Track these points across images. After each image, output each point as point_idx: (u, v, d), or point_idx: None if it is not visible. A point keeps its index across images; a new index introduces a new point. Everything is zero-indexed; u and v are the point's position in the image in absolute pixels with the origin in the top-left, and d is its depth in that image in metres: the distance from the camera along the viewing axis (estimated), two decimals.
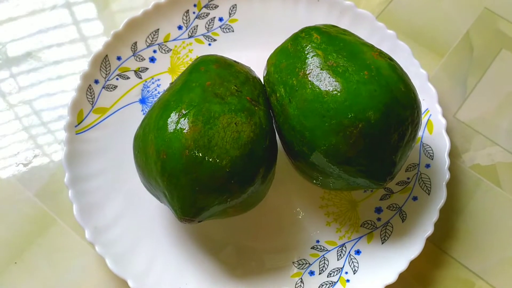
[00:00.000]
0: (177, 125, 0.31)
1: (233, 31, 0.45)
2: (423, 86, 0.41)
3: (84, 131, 0.40)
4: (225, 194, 0.31)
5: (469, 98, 0.45)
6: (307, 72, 0.33)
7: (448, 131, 0.42)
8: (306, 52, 0.34)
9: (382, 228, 0.38)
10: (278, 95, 0.35)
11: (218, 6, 0.45)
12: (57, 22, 0.47)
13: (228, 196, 0.31)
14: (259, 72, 0.39)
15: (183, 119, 0.31)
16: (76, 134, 0.39)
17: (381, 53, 0.34)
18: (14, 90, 0.44)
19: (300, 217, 0.39)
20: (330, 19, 0.45)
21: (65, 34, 0.47)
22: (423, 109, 0.41)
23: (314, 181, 0.36)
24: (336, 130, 0.31)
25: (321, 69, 0.33)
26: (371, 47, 0.35)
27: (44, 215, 0.39)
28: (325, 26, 0.37)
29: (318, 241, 0.38)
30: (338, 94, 0.32)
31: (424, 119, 0.41)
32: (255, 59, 0.41)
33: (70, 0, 0.48)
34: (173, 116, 0.32)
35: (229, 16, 0.46)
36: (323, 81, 0.32)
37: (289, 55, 0.35)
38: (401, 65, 0.42)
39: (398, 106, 0.32)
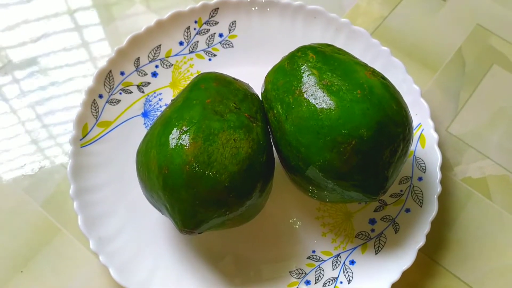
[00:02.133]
0: (179, 141, 0.33)
1: (232, 46, 0.47)
2: (416, 101, 0.43)
3: (89, 144, 0.41)
4: (223, 208, 0.33)
5: (461, 113, 0.47)
6: (303, 91, 0.35)
7: (441, 144, 0.43)
8: (302, 71, 0.36)
9: (376, 239, 0.40)
10: (275, 111, 0.36)
11: (218, 22, 0.47)
12: (60, 29, 0.49)
13: (227, 210, 0.33)
14: (257, 85, 0.40)
15: (184, 135, 0.33)
16: (81, 147, 0.41)
17: (374, 72, 0.36)
18: (19, 101, 0.46)
19: (297, 227, 0.41)
20: (326, 35, 0.46)
21: (69, 41, 0.49)
22: (416, 123, 0.43)
23: (310, 194, 0.37)
24: (330, 146, 0.33)
25: (316, 88, 0.34)
26: (365, 66, 0.36)
27: (50, 225, 0.41)
28: (320, 45, 0.38)
29: (314, 251, 0.40)
30: (332, 112, 0.33)
31: (416, 134, 0.43)
32: (254, 74, 0.42)
33: (73, 7, 0.50)
34: (175, 133, 0.33)
35: (229, 32, 0.47)
36: (318, 99, 0.34)
37: (285, 73, 0.37)
38: (395, 81, 0.44)
39: (390, 124, 0.33)
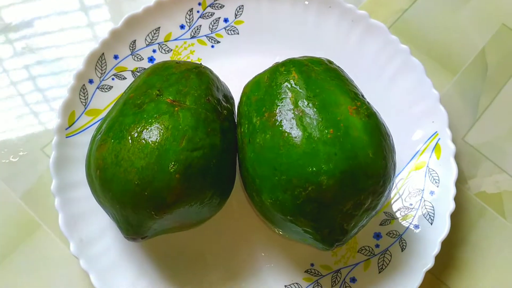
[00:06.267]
0: (93, 145, 0.31)
1: (238, 33, 0.43)
2: (433, 107, 0.40)
3: (75, 134, 0.38)
4: (147, 209, 0.29)
5: (480, 121, 0.43)
6: (272, 115, 0.31)
7: (456, 155, 0.40)
8: (278, 92, 0.31)
9: (380, 256, 0.37)
10: (242, 129, 0.33)
11: (224, 6, 0.43)
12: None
13: (152, 210, 0.29)
14: None
15: (97, 138, 0.31)
16: (67, 137, 0.37)
17: (360, 108, 0.31)
18: (2, 78, 0.42)
19: None
20: (341, 27, 0.43)
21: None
22: (432, 131, 0.39)
23: (266, 223, 0.34)
24: (285, 187, 0.29)
25: (287, 116, 0.30)
26: (353, 98, 0.31)
27: (29, 220, 0.38)
28: (311, 61, 0.33)
29: (312, 265, 0.37)
30: (294, 150, 0.29)
31: (432, 143, 0.39)
32: (259, 65, 0.38)
33: None
34: (94, 137, 0.32)
35: (235, 18, 0.43)
36: (284, 131, 0.30)
37: (262, 89, 0.33)
38: (411, 83, 0.41)
39: (360, 174, 0.29)
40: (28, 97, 0.42)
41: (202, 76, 0.34)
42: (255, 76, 0.34)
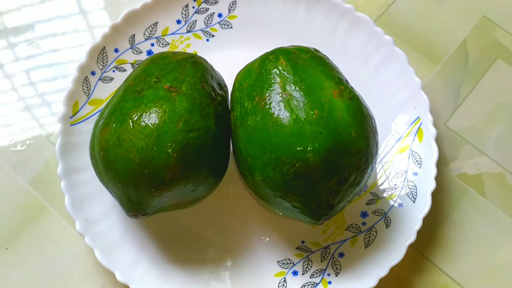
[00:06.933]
0: (96, 129, 0.34)
1: (231, 27, 0.46)
2: (416, 94, 0.42)
3: (79, 122, 0.40)
4: (147, 186, 0.32)
5: (461, 107, 0.46)
6: (262, 100, 0.33)
7: (438, 139, 0.42)
8: (267, 78, 0.34)
9: (366, 233, 0.39)
10: (234, 114, 0.35)
11: (217, 1, 0.46)
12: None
13: (152, 188, 0.32)
14: None
15: (100, 122, 0.33)
16: (71, 125, 0.40)
17: (343, 91, 0.33)
18: (10, 71, 0.44)
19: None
20: (329, 21, 0.45)
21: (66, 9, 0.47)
22: (414, 117, 0.42)
23: (259, 202, 0.36)
24: (274, 164, 0.32)
25: (275, 100, 0.33)
26: (337, 82, 0.34)
27: (37, 203, 0.40)
28: (298, 49, 0.36)
29: (303, 242, 0.39)
30: (282, 130, 0.31)
31: (415, 127, 0.42)
32: (252, 57, 0.40)
33: None
34: (98, 122, 0.34)
35: (229, 12, 0.46)
36: (273, 113, 0.32)
37: (252, 76, 0.35)
38: (395, 72, 0.43)
39: (343, 152, 0.31)
40: (33, 91, 0.44)
41: (197, 65, 0.36)
42: (247, 65, 0.37)
